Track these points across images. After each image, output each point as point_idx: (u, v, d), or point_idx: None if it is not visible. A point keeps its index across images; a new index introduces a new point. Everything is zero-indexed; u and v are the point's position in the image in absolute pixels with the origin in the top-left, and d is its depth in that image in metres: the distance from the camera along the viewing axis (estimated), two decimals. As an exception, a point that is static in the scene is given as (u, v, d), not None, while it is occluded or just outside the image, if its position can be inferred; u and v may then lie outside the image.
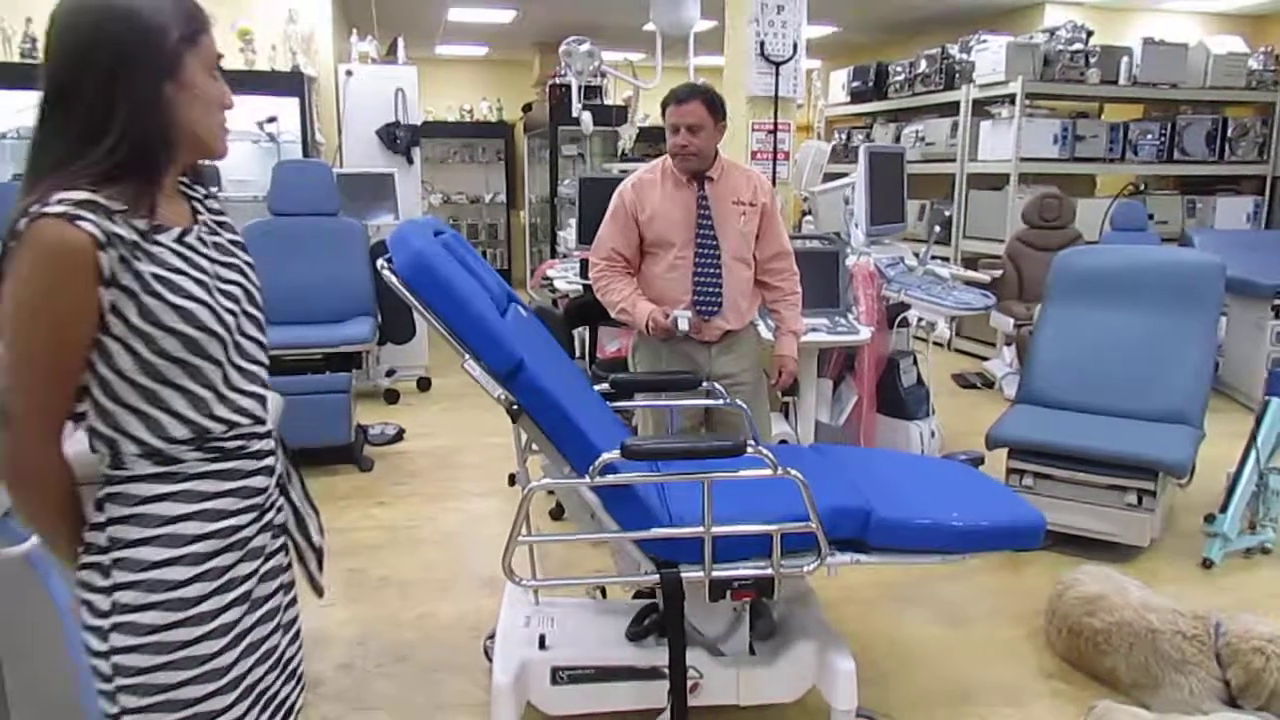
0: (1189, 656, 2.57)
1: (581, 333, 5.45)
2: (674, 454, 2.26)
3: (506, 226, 11.68)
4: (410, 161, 6.49)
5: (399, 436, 5.37)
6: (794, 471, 2.08)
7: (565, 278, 5.51)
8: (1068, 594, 2.90)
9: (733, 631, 2.46)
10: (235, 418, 1.37)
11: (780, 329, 3.27)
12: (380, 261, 2.13)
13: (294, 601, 1.56)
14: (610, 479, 2.10)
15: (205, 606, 1.33)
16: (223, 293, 1.36)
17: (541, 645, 2.41)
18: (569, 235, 6.20)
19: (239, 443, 1.38)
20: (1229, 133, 7.59)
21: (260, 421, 1.43)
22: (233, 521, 1.37)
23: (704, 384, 2.94)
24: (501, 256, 11.75)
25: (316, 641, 3.04)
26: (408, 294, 2.06)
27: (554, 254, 7.97)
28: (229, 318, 1.35)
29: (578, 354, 5.50)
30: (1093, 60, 7.10)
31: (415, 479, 4.68)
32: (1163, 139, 7.48)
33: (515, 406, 2.09)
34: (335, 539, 3.90)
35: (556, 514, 3.97)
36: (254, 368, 1.42)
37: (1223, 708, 2.51)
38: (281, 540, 1.52)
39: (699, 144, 2.99)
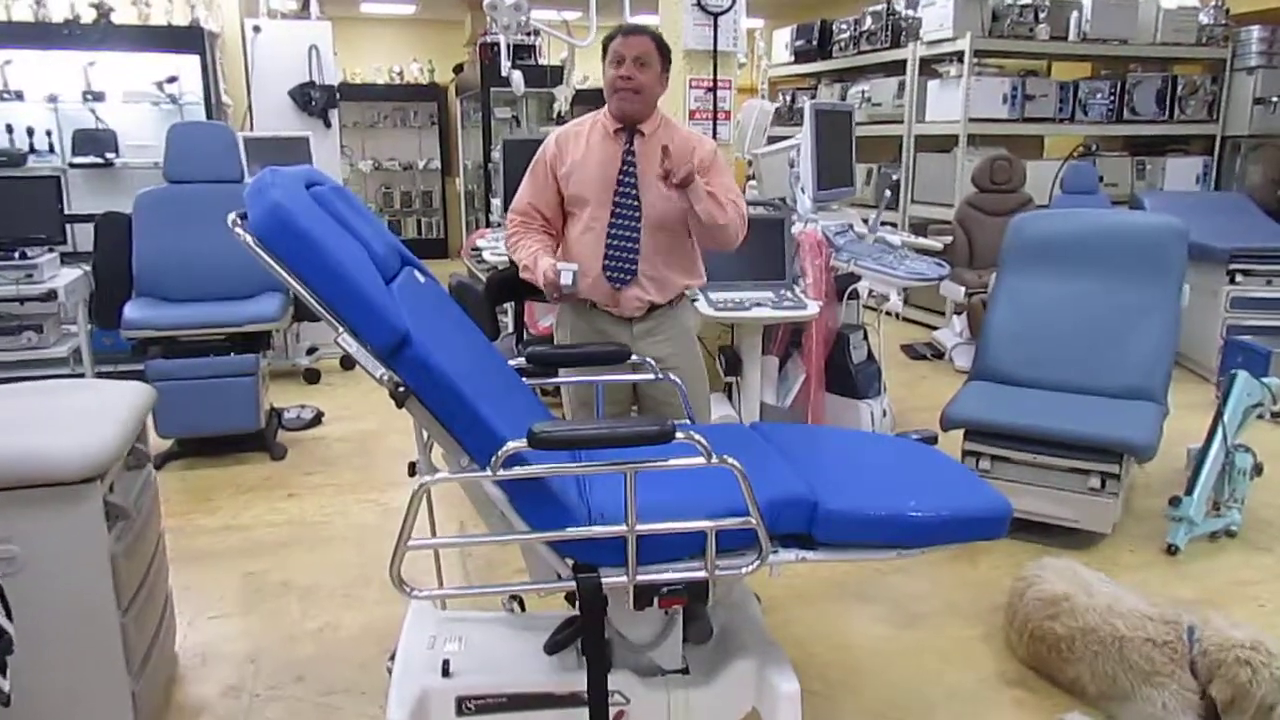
0: (1159, 667, 2.35)
1: (512, 308, 5.13)
2: (591, 441, 1.89)
3: (441, 194, 11.23)
4: (328, 124, 6.07)
5: (317, 420, 5.01)
6: (730, 460, 1.77)
7: (494, 248, 5.17)
8: (1028, 594, 2.67)
9: (663, 637, 2.15)
10: None
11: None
12: (231, 217, 1.76)
13: None
14: (516, 471, 1.78)
15: None
16: None
17: (445, 672, 2.10)
18: (501, 203, 5.85)
19: None
20: (1179, 91, 7.42)
21: None
22: None
23: (632, 358, 2.62)
24: (437, 225, 11.32)
25: (203, 660, 2.73)
26: (264, 255, 1.70)
27: (488, 222, 7.61)
28: None
29: (508, 330, 5.18)
30: (1042, 15, 6.87)
31: (330, 467, 4.34)
32: (1112, 98, 7.30)
33: (401, 388, 1.76)
34: (235, 538, 3.60)
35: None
36: None
37: None
38: None
39: (644, 80, 2.67)
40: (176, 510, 3.75)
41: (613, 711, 2.05)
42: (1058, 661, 2.53)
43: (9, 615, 1.26)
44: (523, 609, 2.48)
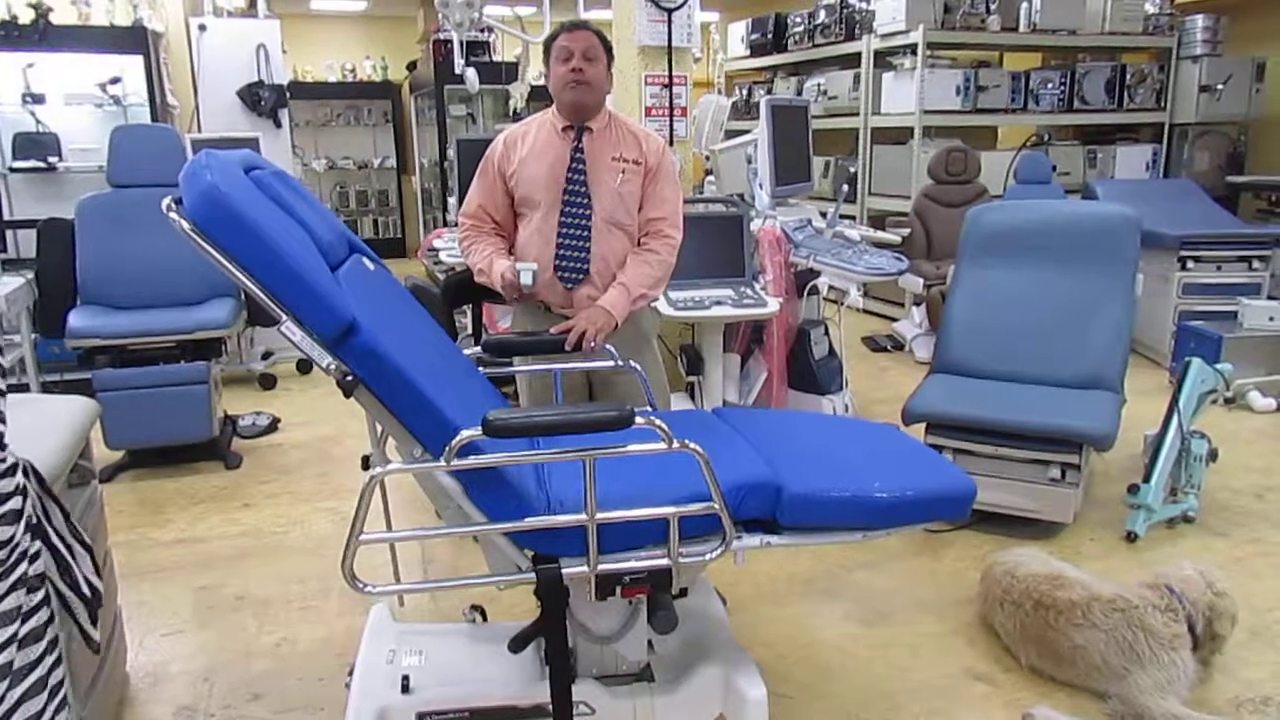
0: (1176, 629, 2.45)
1: (470, 310, 5.06)
2: (548, 427, 1.83)
3: (398, 193, 11.10)
4: (278, 125, 5.95)
5: (273, 427, 4.91)
6: (692, 444, 1.74)
7: (451, 249, 5.10)
8: (1021, 570, 2.70)
9: (627, 629, 2.11)
10: None
11: (615, 279, 2.73)
12: (165, 202, 1.67)
13: (59, 661, 1.33)
14: (471, 461, 1.73)
15: None
16: None
17: (405, 688, 2.06)
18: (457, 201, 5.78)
19: None
20: (1127, 80, 7.53)
21: None
22: None
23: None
24: (394, 225, 11.18)
25: (154, 680, 2.66)
26: (199, 241, 1.62)
27: (445, 222, 7.53)
28: None
29: (466, 333, 5.11)
30: (993, 7, 6.94)
31: (287, 475, 4.25)
32: (1063, 88, 7.39)
33: (349, 378, 1.70)
34: (188, 551, 3.51)
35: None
36: None
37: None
38: (42, 593, 1.28)
39: (593, 73, 2.65)
40: (127, 523, 3.66)
41: (577, 722, 2.03)
42: (1065, 627, 2.52)
43: (98, 573, 1.40)
44: (484, 619, 2.43)
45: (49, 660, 1.31)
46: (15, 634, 1.21)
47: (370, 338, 1.71)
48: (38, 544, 1.29)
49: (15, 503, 1.22)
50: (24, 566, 1.23)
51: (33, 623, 1.26)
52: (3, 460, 1.20)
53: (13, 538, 1.20)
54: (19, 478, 1.24)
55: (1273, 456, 4.29)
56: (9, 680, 1.21)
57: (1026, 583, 2.67)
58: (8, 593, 1.20)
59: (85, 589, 1.38)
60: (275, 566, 3.35)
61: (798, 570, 3.21)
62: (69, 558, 1.36)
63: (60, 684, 1.35)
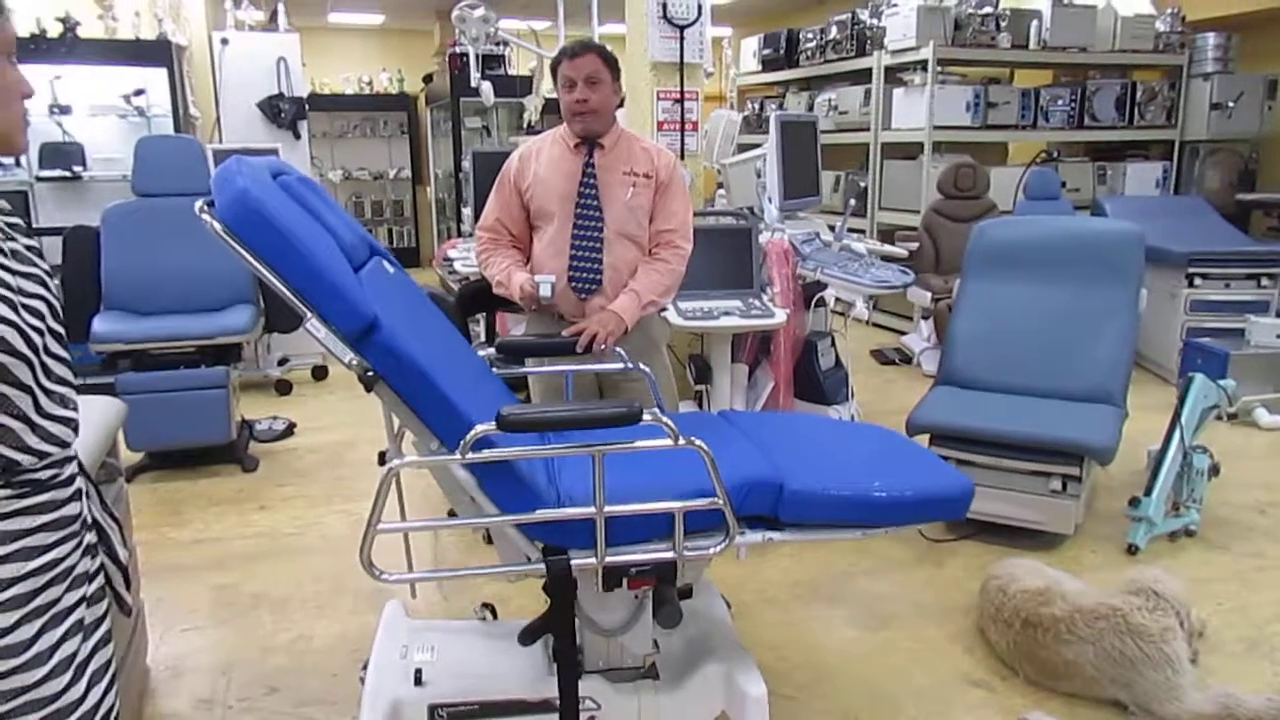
0: (1166, 623, 2.49)
1: (484, 319, 5.16)
2: (559, 423, 1.92)
3: (413, 203, 11.22)
4: (297, 136, 6.06)
5: (289, 431, 5.01)
6: (698, 441, 1.80)
7: (465, 259, 5.20)
8: (1012, 588, 2.74)
9: (633, 622, 2.16)
10: (47, 447, 1.27)
11: (626, 286, 2.83)
12: (198, 205, 1.74)
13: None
14: (485, 454, 1.80)
15: (40, 646, 1.26)
16: (27, 309, 1.23)
17: (418, 681, 2.13)
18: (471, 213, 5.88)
19: (51, 472, 1.29)
20: (1137, 97, 7.57)
21: (69, 445, 1.33)
22: (53, 555, 1.29)
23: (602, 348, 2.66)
24: (409, 234, 11.30)
25: (175, 673, 2.73)
26: (230, 242, 1.69)
27: (460, 232, 7.63)
28: (35, 337, 1.24)
29: (479, 340, 5.19)
30: (1003, 24, 7.00)
31: (302, 479, 4.34)
32: (1073, 104, 7.43)
33: (370, 374, 1.77)
34: (206, 550, 3.60)
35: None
36: (63, 389, 1.32)
37: (1196, 688, 2.45)
38: (99, 560, 1.43)
39: (598, 99, 2.74)
40: (147, 523, 3.74)
41: (584, 717, 2.09)
42: (1054, 644, 2.56)
43: (125, 546, 1.53)
44: (494, 617, 2.50)
45: (109, 618, 1.44)
46: (86, 594, 1.34)
47: (390, 335, 1.79)
48: (91, 516, 1.43)
49: (79, 481, 1.36)
50: (89, 535, 1.38)
51: (96, 584, 1.39)
52: (70, 445, 1.31)
53: (81, 511, 1.35)
54: (78, 463, 1.38)
55: (1276, 473, 4.32)
56: (82, 634, 1.33)
57: (1015, 600, 2.71)
58: (80, 558, 1.33)
59: (122, 557, 1.51)
60: (291, 566, 3.43)
61: (802, 576, 3.27)
62: (107, 531, 1.49)
63: (112, 640, 1.47)
